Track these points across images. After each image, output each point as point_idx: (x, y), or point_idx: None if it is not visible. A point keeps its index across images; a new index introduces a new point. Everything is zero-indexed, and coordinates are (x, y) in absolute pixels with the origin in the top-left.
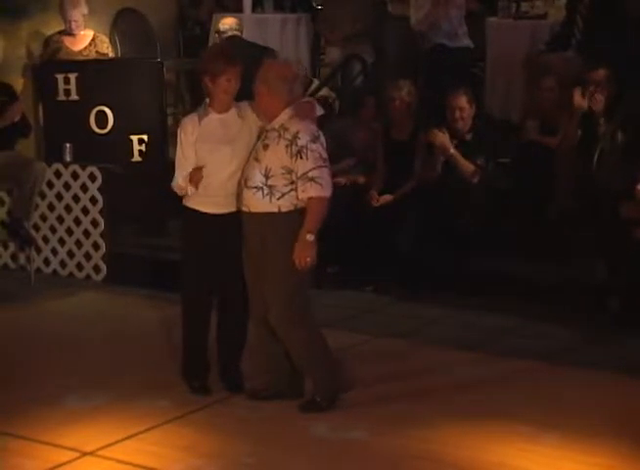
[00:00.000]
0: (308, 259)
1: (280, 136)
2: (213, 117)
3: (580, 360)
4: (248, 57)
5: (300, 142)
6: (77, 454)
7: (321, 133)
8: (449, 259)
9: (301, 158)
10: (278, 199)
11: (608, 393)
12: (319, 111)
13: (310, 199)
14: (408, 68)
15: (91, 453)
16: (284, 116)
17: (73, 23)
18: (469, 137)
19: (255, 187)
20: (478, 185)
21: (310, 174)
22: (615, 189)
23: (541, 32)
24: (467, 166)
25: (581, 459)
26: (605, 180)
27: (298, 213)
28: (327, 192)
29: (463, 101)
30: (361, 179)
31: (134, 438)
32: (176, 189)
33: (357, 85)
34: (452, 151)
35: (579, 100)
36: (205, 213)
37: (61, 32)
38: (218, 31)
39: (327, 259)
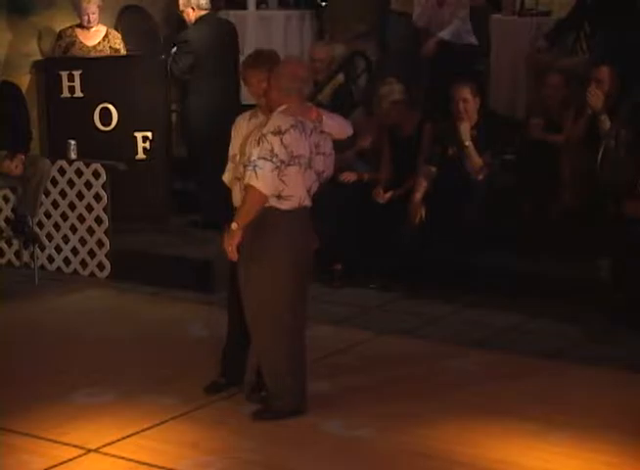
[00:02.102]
0: (228, 249)
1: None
2: (261, 118)
3: (586, 358)
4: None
5: (264, 130)
6: (82, 451)
7: (292, 130)
8: (453, 257)
9: (257, 145)
10: None
11: (615, 390)
12: (345, 130)
13: (246, 187)
14: (412, 64)
15: (95, 450)
16: (279, 109)
17: (91, 16)
18: (474, 133)
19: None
20: (481, 182)
21: (255, 162)
22: (619, 186)
23: (546, 29)
24: (476, 161)
25: (589, 457)
26: (609, 178)
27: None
28: (261, 186)
29: (466, 92)
30: (366, 176)
31: (139, 435)
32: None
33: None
34: (468, 142)
35: (591, 95)
36: None
37: (73, 27)
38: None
39: (332, 257)
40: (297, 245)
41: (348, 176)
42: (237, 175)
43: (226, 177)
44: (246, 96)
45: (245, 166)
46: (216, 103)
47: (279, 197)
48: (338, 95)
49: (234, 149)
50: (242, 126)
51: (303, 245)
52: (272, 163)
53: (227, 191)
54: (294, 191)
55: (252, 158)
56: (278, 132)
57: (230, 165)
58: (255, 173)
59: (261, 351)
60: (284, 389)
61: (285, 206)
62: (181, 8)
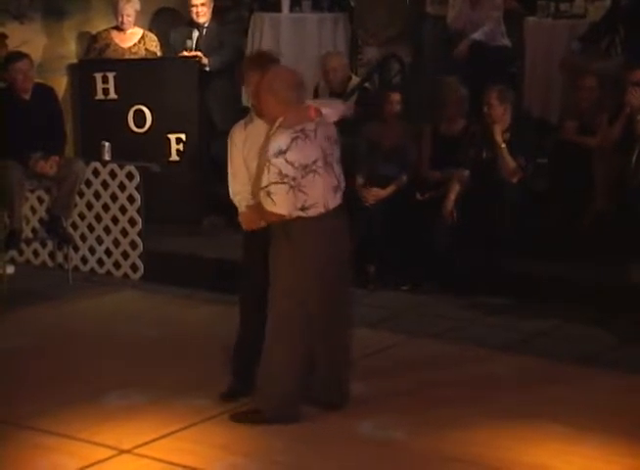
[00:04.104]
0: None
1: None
2: (256, 122)
3: (617, 363)
4: None
5: (267, 155)
6: (115, 452)
7: (295, 144)
8: (485, 260)
9: (267, 171)
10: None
11: None
12: (342, 109)
13: (264, 210)
14: (447, 67)
15: (128, 451)
16: (276, 124)
17: (125, 18)
18: (506, 136)
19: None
20: (515, 185)
21: (267, 189)
22: None
23: (580, 32)
24: (510, 164)
25: (617, 460)
26: None
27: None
28: (280, 209)
29: (492, 97)
30: (404, 179)
31: (171, 436)
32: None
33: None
34: (503, 145)
35: (632, 97)
36: None
37: (109, 29)
38: None
39: (366, 259)
40: (326, 251)
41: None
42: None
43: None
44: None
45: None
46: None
47: (302, 208)
48: (361, 103)
49: (234, 166)
50: (239, 139)
51: (333, 249)
52: (284, 184)
53: None
54: (316, 198)
55: (264, 184)
56: (280, 153)
57: (240, 189)
58: (272, 200)
59: (270, 356)
60: (273, 399)
61: (310, 214)
62: None
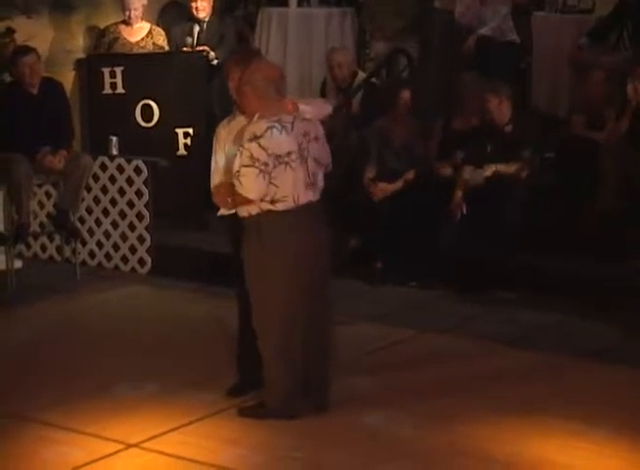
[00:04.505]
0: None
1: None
2: (238, 118)
3: (624, 358)
4: None
5: (242, 141)
6: (122, 446)
7: (269, 132)
8: (493, 255)
9: (239, 155)
10: None
11: None
12: (324, 110)
13: (235, 194)
14: (454, 61)
15: (136, 445)
16: (255, 118)
17: (133, 12)
18: (508, 129)
19: None
20: (521, 180)
21: (238, 172)
22: None
23: (588, 27)
24: (510, 170)
25: (625, 456)
26: None
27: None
28: (248, 193)
29: (486, 92)
30: (411, 175)
31: (179, 430)
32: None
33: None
34: (491, 171)
35: (632, 92)
36: None
37: (117, 23)
38: None
39: (374, 255)
40: (296, 248)
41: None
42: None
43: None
44: None
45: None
46: None
47: (272, 201)
48: (368, 98)
49: (216, 161)
50: (222, 135)
51: (304, 247)
52: (255, 168)
53: None
54: (286, 191)
55: (235, 169)
56: (254, 138)
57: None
58: (241, 183)
59: (262, 354)
60: (275, 395)
61: (280, 207)
62: None
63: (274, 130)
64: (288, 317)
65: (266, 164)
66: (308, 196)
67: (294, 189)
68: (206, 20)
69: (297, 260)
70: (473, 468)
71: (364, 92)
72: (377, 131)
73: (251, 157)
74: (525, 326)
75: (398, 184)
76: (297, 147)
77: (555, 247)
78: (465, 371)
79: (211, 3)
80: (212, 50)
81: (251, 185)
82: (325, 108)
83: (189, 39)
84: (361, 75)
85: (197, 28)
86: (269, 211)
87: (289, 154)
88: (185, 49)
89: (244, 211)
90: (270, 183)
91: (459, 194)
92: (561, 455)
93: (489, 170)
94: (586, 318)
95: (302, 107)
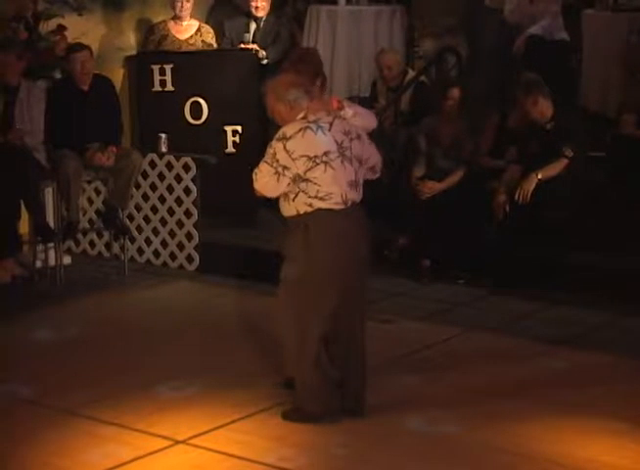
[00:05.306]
0: None
1: None
2: None
3: None
4: None
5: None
6: (170, 443)
7: (301, 134)
8: (541, 253)
9: (267, 150)
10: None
11: None
12: (372, 123)
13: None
14: (504, 61)
15: (183, 442)
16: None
17: (185, 4)
18: (549, 126)
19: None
20: (565, 177)
21: (258, 166)
22: None
23: (639, 24)
24: (555, 170)
25: None
26: None
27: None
28: (261, 188)
29: (519, 90)
30: (459, 174)
31: (225, 427)
32: None
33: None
34: (538, 177)
35: None
36: None
37: (166, 20)
38: None
39: (421, 253)
40: (343, 251)
41: (432, 187)
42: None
43: None
44: None
45: None
46: None
47: (318, 197)
48: (417, 97)
49: None
50: None
51: (350, 250)
52: (272, 167)
53: None
54: (331, 188)
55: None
56: (282, 138)
57: None
58: (255, 176)
59: (299, 357)
60: (308, 396)
61: (327, 204)
62: None
63: (308, 131)
64: (327, 320)
65: (285, 168)
66: (352, 195)
67: (338, 186)
68: (264, 18)
69: (342, 263)
70: (518, 467)
71: (413, 90)
72: (426, 130)
73: (273, 156)
74: (577, 325)
75: (447, 183)
76: (335, 146)
77: (607, 245)
78: (513, 370)
79: (270, 2)
80: (265, 49)
81: (264, 182)
82: (373, 122)
83: (247, 36)
84: (411, 74)
85: (253, 26)
86: (318, 210)
87: (326, 153)
88: (241, 46)
89: (292, 210)
90: (310, 182)
91: (502, 193)
92: (610, 456)
93: (533, 182)
94: (637, 317)
95: (351, 112)
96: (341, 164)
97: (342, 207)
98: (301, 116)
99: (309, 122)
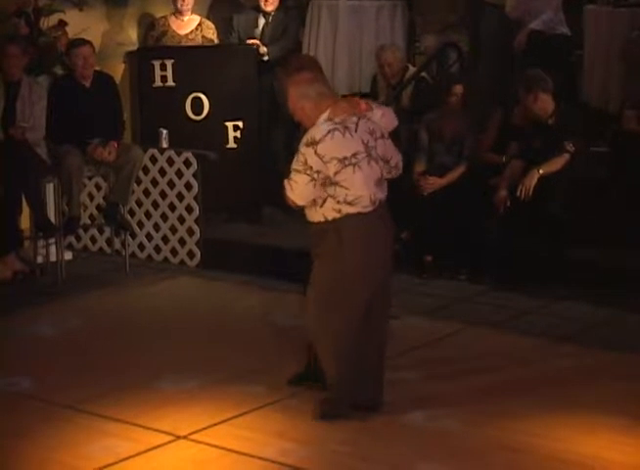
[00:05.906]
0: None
1: None
2: None
3: None
4: None
5: (301, 143)
6: (171, 438)
7: (330, 136)
8: (542, 249)
9: (295, 158)
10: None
11: None
12: (394, 123)
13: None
14: (505, 56)
15: (184, 437)
16: (321, 119)
17: (183, 4)
18: (551, 121)
19: None
20: (567, 173)
21: (291, 175)
22: None
23: None
24: (557, 165)
25: None
26: None
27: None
28: (297, 198)
29: (519, 85)
30: (461, 170)
31: (227, 423)
32: None
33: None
34: (539, 173)
35: None
36: None
37: (167, 16)
38: None
39: (424, 248)
40: (376, 251)
41: (434, 183)
42: None
43: None
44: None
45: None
46: None
47: (347, 202)
48: (419, 93)
49: None
50: None
51: (382, 248)
52: (306, 175)
53: None
54: (359, 191)
55: (290, 170)
56: (312, 143)
57: None
58: (290, 186)
59: (321, 353)
60: (342, 393)
61: (356, 208)
62: None
63: (336, 133)
64: (356, 319)
65: (319, 172)
66: (379, 195)
67: (367, 188)
68: (273, 13)
69: (375, 263)
70: (520, 464)
71: (414, 86)
72: (428, 125)
73: (305, 163)
74: (579, 321)
75: (449, 179)
76: (363, 147)
77: (609, 241)
78: (514, 366)
79: None
80: (269, 45)
81: (300, 192)
82: (395, 121)
83: (257, 31)
84: (411, 70)
85: (262, 21)
86: (347, 215)
87: (355, 155)
88: (250, 41)
89: (319, 216)
90: (338, 186)
91: (503, 189)
92: (610, 451)
93: (534, 178)
94: (638, 313)
95: (380, 113)
96: (368, 164)
97: (371, 208)
98: (325, 116)
99: (336, 124)
